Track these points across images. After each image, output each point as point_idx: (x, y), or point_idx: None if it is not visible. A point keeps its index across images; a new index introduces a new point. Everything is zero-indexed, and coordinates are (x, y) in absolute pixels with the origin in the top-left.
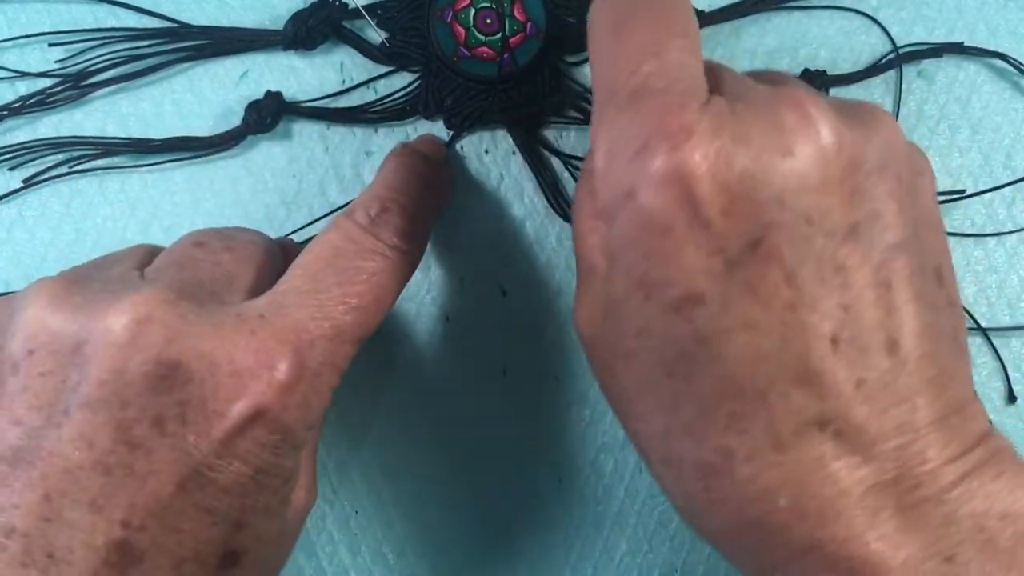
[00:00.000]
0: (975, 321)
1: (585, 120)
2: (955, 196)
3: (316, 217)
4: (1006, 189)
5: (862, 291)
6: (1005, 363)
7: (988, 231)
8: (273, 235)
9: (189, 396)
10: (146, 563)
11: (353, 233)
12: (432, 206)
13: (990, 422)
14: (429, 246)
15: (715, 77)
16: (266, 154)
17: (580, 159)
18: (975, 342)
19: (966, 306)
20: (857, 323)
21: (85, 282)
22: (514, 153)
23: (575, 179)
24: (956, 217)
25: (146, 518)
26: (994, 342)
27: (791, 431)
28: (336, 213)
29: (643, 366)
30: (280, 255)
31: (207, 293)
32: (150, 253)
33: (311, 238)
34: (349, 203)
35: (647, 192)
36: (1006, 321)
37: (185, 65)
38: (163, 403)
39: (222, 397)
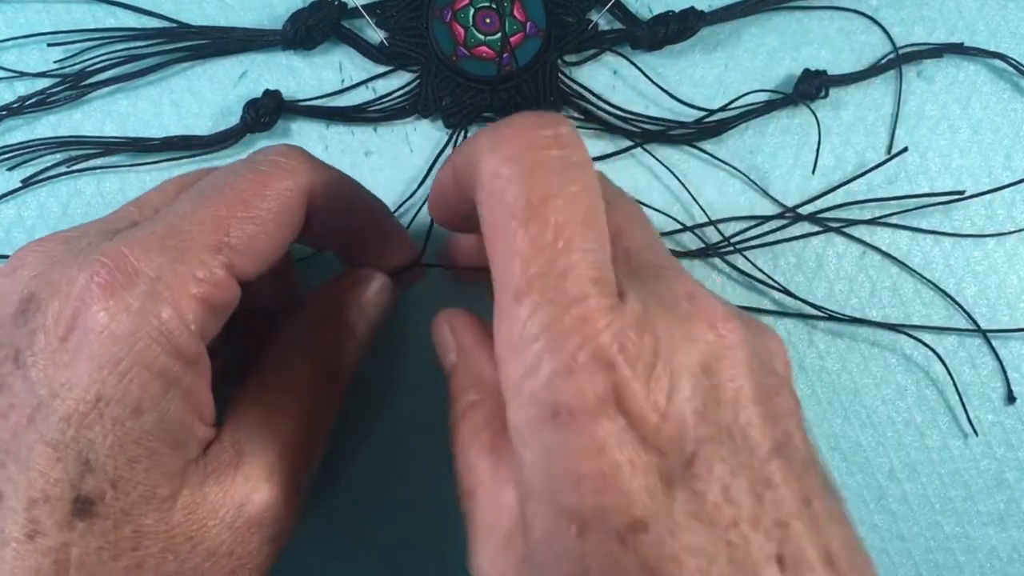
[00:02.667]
0: (975, 322)
1: (585, 119)
2: (955, 198)
3: None
4: (1006, 190)
5: (794, 507)
6: (1004, 364)
7: (988, 232)
8: None
9: (37, 324)
10: (3, 502)
11: (224, 166)
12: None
13: None
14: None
15: (632, 238)
16: None
17: None
18: (975, 343)
19: (966, 307)
20: (796, 541)
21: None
22: None
23: None
24: (956, 218)
25: (5, 455)
26: (993, 343)
27: None
28: None
29: None
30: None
31: (93, 232)
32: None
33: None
34: None
35: (577, 406)
36: (1005, 322)
37: (184, 65)
38: (21, 336)
39: (60, 317)
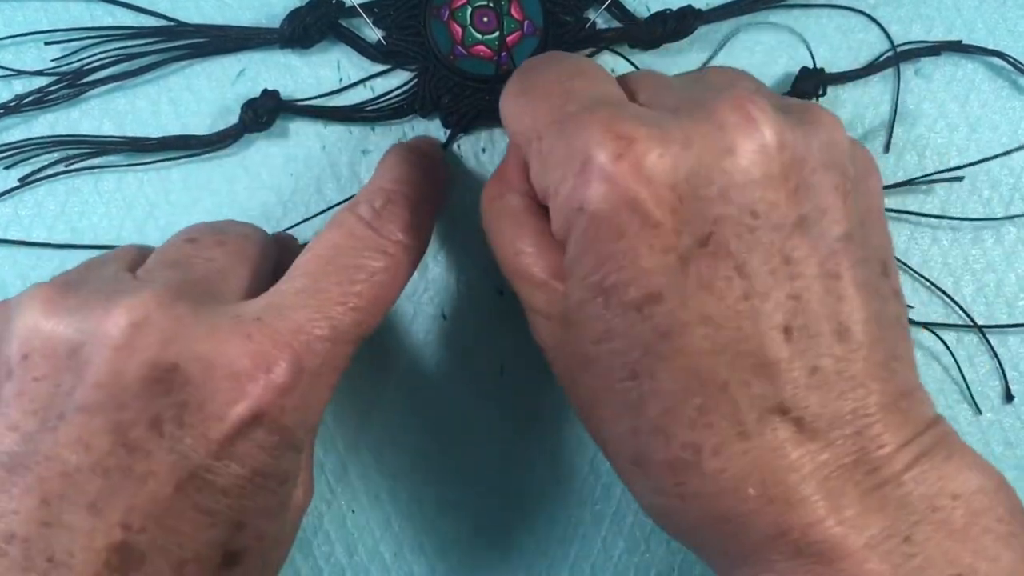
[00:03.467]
0: (972, 320)
1: None
2: (953, 176)
3: (312, 214)
4: (1003, 187)
5: (811, 281)
6: (1002, 362)
7: (987, 228)
8: (270, 232)
9: (186, 399)
10: (147, 565)
11: (356, 229)
12: (434, 202)
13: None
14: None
15: (645, 89)
16: (263, 152)
17: None
18: (973, 341)
19: (964, 305)
20: (808, 312)
21: (79, 285)
22: None
23: None
24: (954, 214)
25: (145, 520)
26: (991, 341)
27: (754, 420)
28: (336, 208)
29: (607, 370)
30: (275, 249)
31: (201, 291)
32: (141, 254)
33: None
34: (349, 199)
35: (595, 201)
36: (1003, 319)
37: (182, 63)
38: (160, 405)
39: (220, 400)
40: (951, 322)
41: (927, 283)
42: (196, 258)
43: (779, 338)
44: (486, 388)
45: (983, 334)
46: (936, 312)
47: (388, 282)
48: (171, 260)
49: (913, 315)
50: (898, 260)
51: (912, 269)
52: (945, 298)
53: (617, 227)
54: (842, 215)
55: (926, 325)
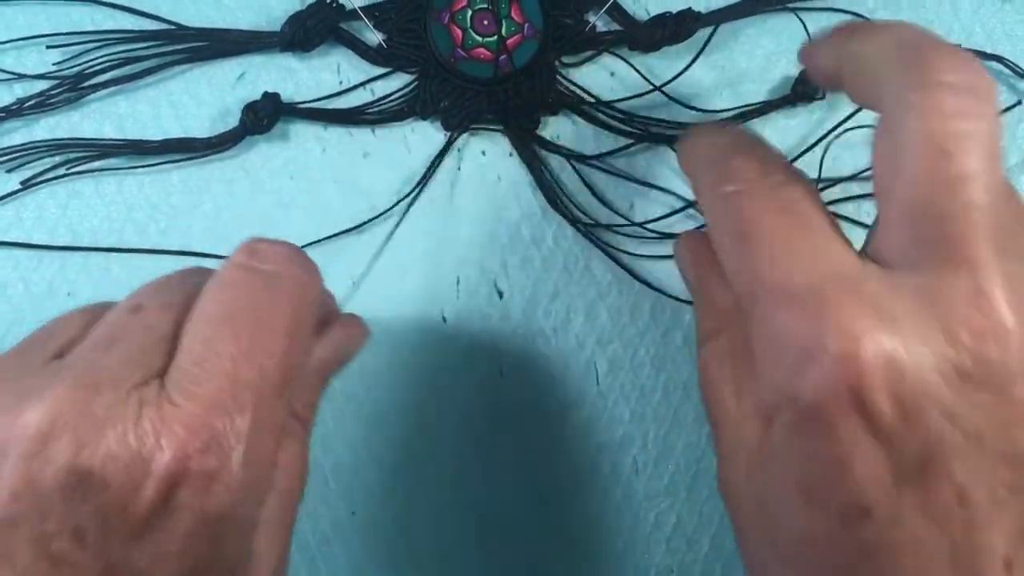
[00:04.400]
0: None
1: (585, 118)
2: None
3: (315, 222)
4: None
5: None
6: None
7: None
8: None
9: (107, 502)
10: None
11: (233, 277)
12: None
13: None
14: (426, 245)
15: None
16: (263, 155)
17: (578, 156)
18: None
19: None
20: None
21: (3, 375)
22: (511, 154)
23: (579, 175)
24: None
25: None
26: None
27: None
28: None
29: (803, 572)
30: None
31: (132, 372)
32: (89, 320)
33: None
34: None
35: (811, 398)
36: None
37: (182, 67)
38: (81, 514)
39: (140, 498)
40: None
41: None
42: (136, 331)
43: (999, 572)
44: (485, 390)
45: None
46: None
47: (292, 321)
48: (107, 337)
49: None
50: None
51: None
52: None
53: (831, 430)
54: None
55: None
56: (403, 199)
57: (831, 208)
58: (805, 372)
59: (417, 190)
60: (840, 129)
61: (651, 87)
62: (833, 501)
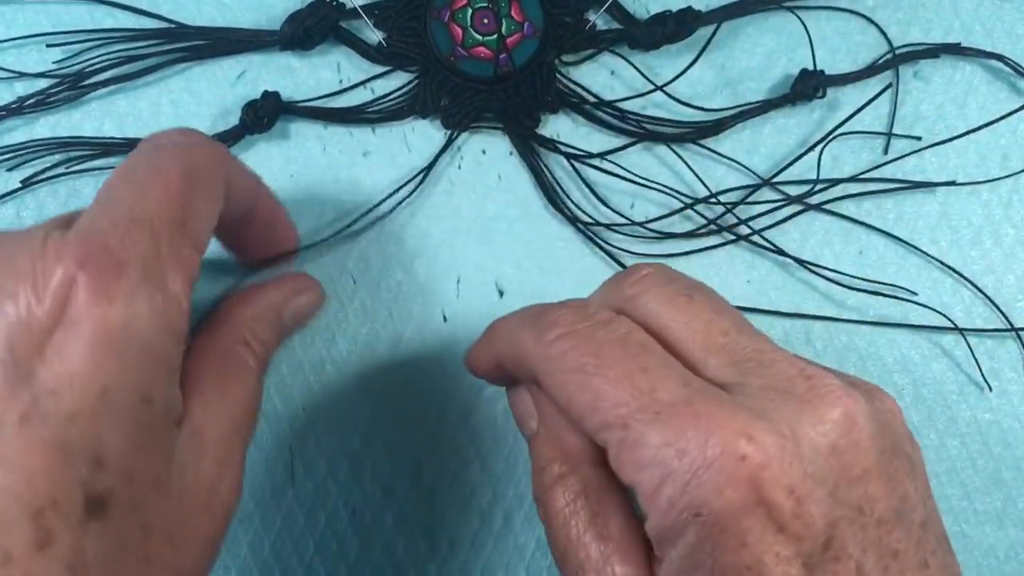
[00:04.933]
0: (954, 323)
1: (585, 117)
2: (946, 181)
3: (312, 217)
4: (1003, 189)
5: (916, 569)
6: (998, 364)
7: (986, 230)
8: None
9: (9, 319)
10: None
11: (131, 154)
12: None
13: None
14: (427, 245)
15: (730, 363)
16: (263, 154)
17: (580, 155)
18: (970, 341)
19: (963, 306)
20: None
21: None
22: (511, 153)
23: (579, 175)
24: (953, 217)
25: None
26: (989, 342)
27: None
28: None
29: None
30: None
31: (33, 229)
32: None
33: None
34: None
35: (717, 505)
36: (1001, 322)
37: (182, 65)
38: None
39: (40, 311)
40: (944, 325)
41: (927, 284)
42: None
43: None
44: (485, 389)
45: (964, 336)
46: (934, 314)
47: (188, 168)
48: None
49: (912, 317)
50: (897, 262)
51: (909, 270)
52: (940, 301)
53: (740, 534)
54: (918, 499)
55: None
56: (395, 191)
57: (831, 207)
58: (703, 480)
59: (414, 188)
60: (840, 129)
61: (652, 87)
62: None
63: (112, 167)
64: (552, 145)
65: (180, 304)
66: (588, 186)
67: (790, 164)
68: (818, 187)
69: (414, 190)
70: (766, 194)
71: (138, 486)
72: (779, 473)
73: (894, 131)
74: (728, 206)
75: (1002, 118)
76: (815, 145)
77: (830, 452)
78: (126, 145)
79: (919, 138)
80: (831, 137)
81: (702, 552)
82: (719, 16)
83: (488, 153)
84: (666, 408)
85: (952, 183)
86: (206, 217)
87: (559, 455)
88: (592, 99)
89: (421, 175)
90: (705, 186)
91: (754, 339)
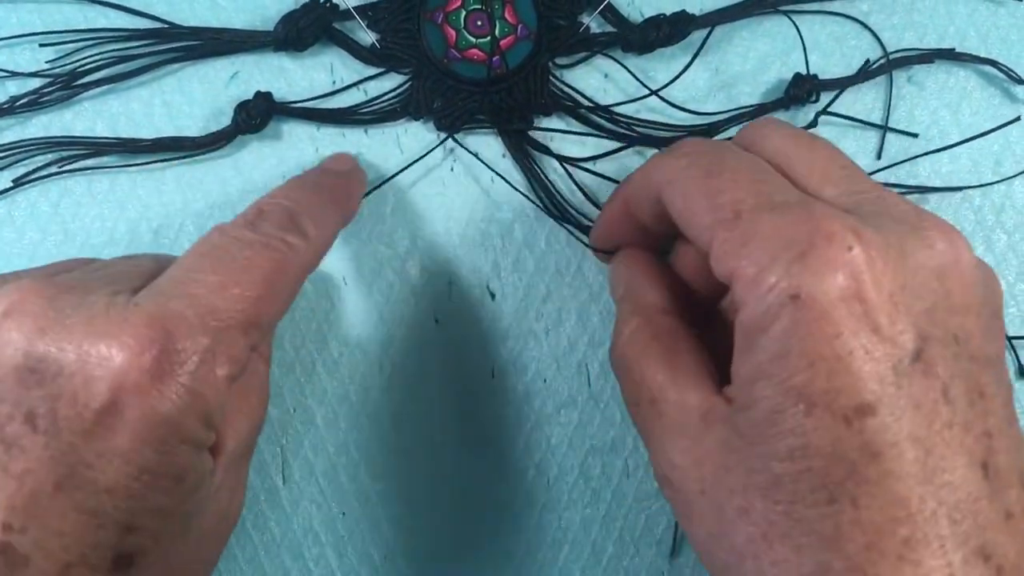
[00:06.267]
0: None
1: (579, 120)
2: (947, 186)
3: None
4: (995, 194)
5: (1000, 421)
6: None
7: (977, 235)
8: None
9: (60, 390)
10: (31, 567)
11: (229, 230)
12: (324, 205)
13: None
14: (419, 247)
15: (849, 202)
16: (256, 154)
17: (571, 159)
18: None
19: None
20: (1000, 452)
21: None
22: (504, 155)
23: (571, 177)
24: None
25: (26, 520)
26: None
27: (960, 561)
28: None
29: (796, 495)
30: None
31: (95, 286)
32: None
33: None
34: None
35: (817, 289)
36: None
37: (175, 66)
38: (34, 398)
39: (92, 390)
40: None
41: None
42: (122, 263)
43: (980, 475)
44: (477, 392)
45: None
46: None
47: (272, 272)
48: (97, 265)
49: None
50: None
51: None
52: None
53: (835, 323)
54: (1005, 365)
55: None
56: (377, 185)
57: None
58: (811, 261)
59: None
60: (836, 131)
61: (647, 91)
62: (838, 402)
63: (104, 167)
64: (545, 148)
65: (220, 400)
66: (581, 189)
67: None
68: None
69: (383, 183)
70: None
71: (164, 543)
72: (881, 274)
73: (887, 137)
74: None
75: (997, 128)
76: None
77: (935, 275)
78: (118, 145)
79: (916, 135)
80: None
81: (795, 336)
82: (713, 20)
83: (481, 155)
84: (780, 205)
85: (947, 188)
86: (273, 318)
87: (637, 309)
88: (586, 103)
89: (402, 171)
90: None
91: (872, 182)
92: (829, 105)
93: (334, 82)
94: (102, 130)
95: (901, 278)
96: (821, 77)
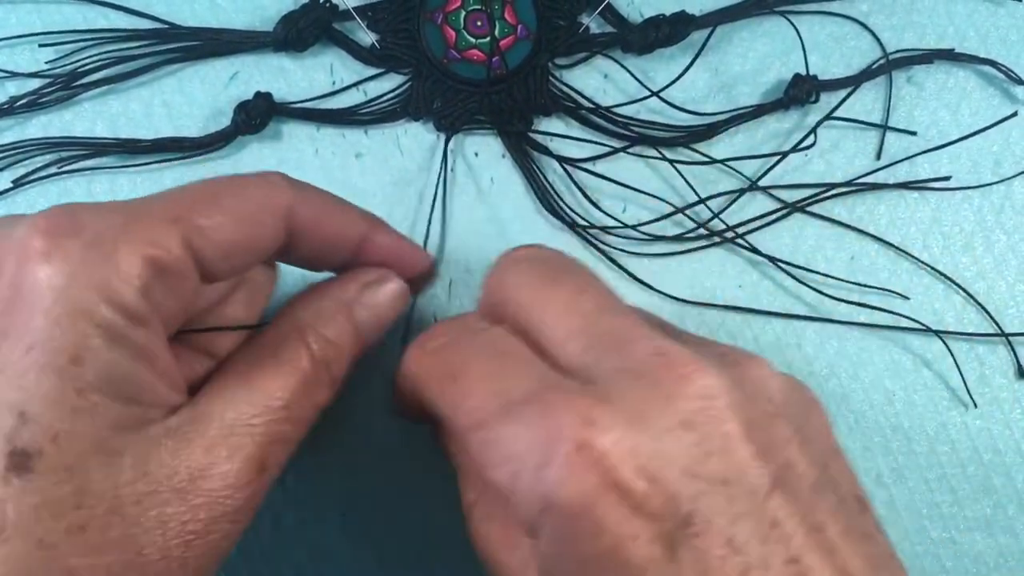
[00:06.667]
0: (928, 327)
1: (578, 121)
2: (943, 185)
3: None
4: (994, 195)
5: (803, 540)
6: (989, 370)
7: (977, 235)
8: None
9: None
10: None
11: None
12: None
13: None
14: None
15: (556, 340)
16: (255, 155)
17: (572, 160)
18: (961, 348)
19: (954, 312)
20: (811, 572)
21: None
22: (504, 156)
23: (571, 178)
24: (945, 223)
25: None
26: (980, 348)
27: None
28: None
29: None
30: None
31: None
32: None
33: None
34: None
35: (566, 495)
36: (992, 328)
37: (175, 66)
38: None
39: (3, 266)
40: (942, 328)
41: (919, 290)
42: None
43: None
44: None
45: (942, 342)
46: (927, 319)
47: (226, 188)
48: None
49: (903, 323)
50: (889, 267)
51: (902, 274)
52: (935, 306)
53: (595, 522)
54: (806, 465)
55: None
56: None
57: (823, 213)
58: (551, 470)
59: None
60: (835, 131)
61: (647, 92)
62: None
63: (104, 167)
64: (544, 148)
65: (130, 279)
66: (580, 189)
67: (773, 166)
68: (809, 191)
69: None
70: (760, 198)
71: (72, 450)
72: (625, 455)
73: (887, 138)
74: (714, 211)
75: (995, 124)
76: (799, 144)
77: (683, 428)
78: (118, 146)
79: (914, 133)
80: (812, 137)
81: (562, 542)
82: (713, 20)
83: (481, 156)
84: (516, 405)
85: (946, 178)
86: (226, 231)
87: (467, 483)
88: (586, 103)
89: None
90: (693, 190)
91: (616, 318)
92: (834, 111)
93: (334, 82)
94: (102, 131)
95: (648, 449)
96: (821, 77)
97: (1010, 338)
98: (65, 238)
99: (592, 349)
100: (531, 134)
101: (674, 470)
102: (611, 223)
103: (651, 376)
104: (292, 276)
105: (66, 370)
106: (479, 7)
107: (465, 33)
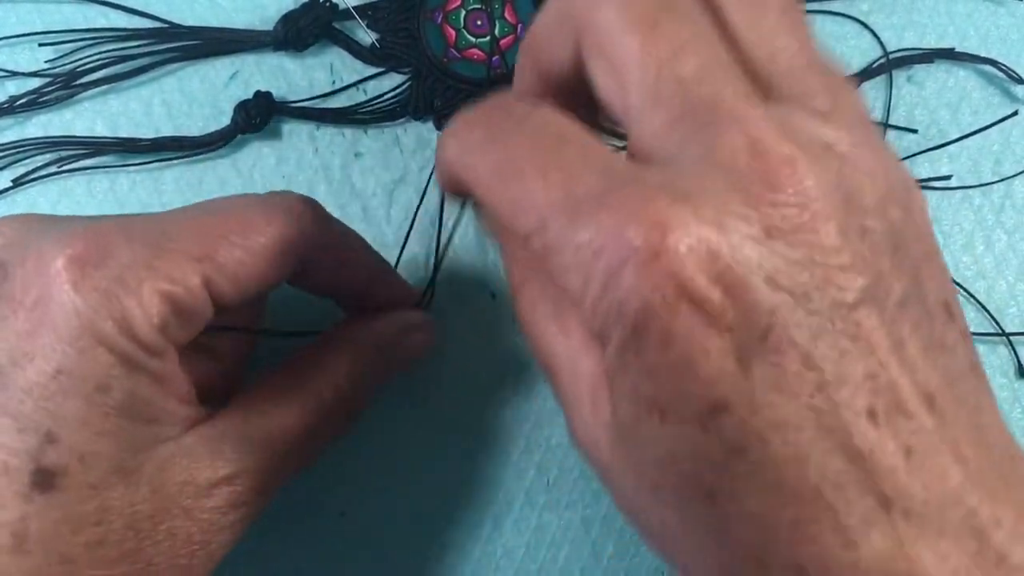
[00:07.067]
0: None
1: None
2: (943, 185)
3: None
4: (995, 194)
5: (884, 356)
6: (990, 370)
7: (978, 235)
8: None
9: (4, 293)
10: None
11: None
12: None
13: None
14: (418, 247)
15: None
16: (255, 154)
17: None
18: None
19: None
20: (889, 390)
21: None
22: None
23: None
24: (945, 222)
25: None
26: (980, 348)
27: (858, 523)
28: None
29: (679, 497)
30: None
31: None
32: None
33: None
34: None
35: (634, 304)
36: (993, 327)
37: (175, 65)
38: None
39: (27, 286)
40: None
41: None
42: None
43: (865, 425)
44: (478, 392)
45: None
46: None
47: (250, 224)
48: None
49: None
50: None
51: None
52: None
53: (664, 331)
54: (896, 276)
55: None
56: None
57: None
58: (621, 279)
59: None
60: None
61: None
62: (688, 408)
63: (104, 167)
64: None
65: (149, 316)
66: None
67: None
68: None
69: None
70: None
71: (96, 470)
72: (702, 263)
73: (887, 136)
74: None
75: (995, 124)
76: None
77: (767, 235)
78: (118, 145)
79: (915, 132)
80: None
81: (629, 352)
82: None
83: None
84: (581, 205)
85: (946, 177)
86: (245, 269)
87: (515, 266)
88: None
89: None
90: None
91: (721, 79)
92: None
93: (334, 82)
94: (102, 130)
95: (726, 256)
96: None
97: (1010, 338)
98: (94, 268)
99: (680, 122)
100: None
101: (753, 280)
102: None
103: (740, 172)
104: None
105: (93, 396)
106: (479, 6)
107: (465, 32)
